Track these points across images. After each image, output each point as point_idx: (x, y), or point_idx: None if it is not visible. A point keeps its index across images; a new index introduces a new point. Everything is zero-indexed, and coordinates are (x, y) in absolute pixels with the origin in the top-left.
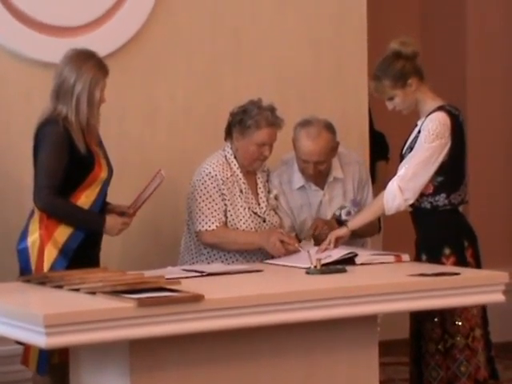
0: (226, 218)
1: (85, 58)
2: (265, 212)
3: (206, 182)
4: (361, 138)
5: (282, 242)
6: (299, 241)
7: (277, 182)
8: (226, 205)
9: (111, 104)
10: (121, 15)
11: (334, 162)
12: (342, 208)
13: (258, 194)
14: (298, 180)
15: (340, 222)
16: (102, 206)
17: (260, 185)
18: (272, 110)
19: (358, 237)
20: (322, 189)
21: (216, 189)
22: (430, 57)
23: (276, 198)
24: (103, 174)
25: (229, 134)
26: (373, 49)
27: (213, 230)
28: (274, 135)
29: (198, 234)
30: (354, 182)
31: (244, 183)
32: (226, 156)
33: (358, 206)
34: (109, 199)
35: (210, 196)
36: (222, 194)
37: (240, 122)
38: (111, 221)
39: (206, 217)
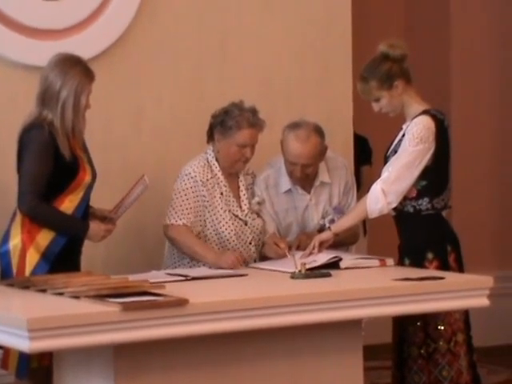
0: (207, 218)
1: (71, 64)
2: (246, 215)
3: (184, 181)
4: (345, 143)
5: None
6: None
7: (263, 185)
8: (205, 206)
9: (96, 107)
10: (105, 18)
11: (321, 167)
12: (325, 217)
13: (239, 197)
14: (285, 183)
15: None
16: (85, 210)
17: (242, 187)
18: (253, 111)
19: (338, 245)
20: (309, 193)
21: (193, 189)
22: (414, 62)
23: (259, 203)
24: (87, 179)
25: (211, 136)
26: (357, 54)
27: (178, 225)
28: (255, 136)
29: (164, 228)
30: (341, 187)
31: (225, 186)
32: (207, 158)
33: (340, 213)
34: (93, 202)
35: (185, 194)
36: (202, 195)
37: (221, 123)
38: (94, 227)
39: (176, 213)
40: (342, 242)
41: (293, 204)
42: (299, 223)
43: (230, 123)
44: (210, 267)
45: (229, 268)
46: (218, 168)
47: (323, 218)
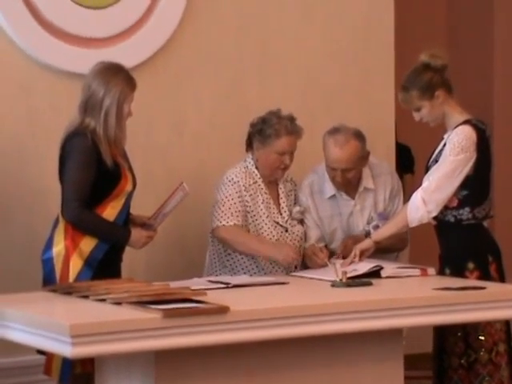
0: (249, 223)
1: (113, 72)
2: (287, 221)
3: (228, 186)
4: (387, 151)
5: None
6: (330, 252)
7: (308, 190)
8: (247, 212)
9: (138, 115)
10: (148, 27)
11: (365, 172)
12: (370, 223)
13: (279, 204)
14: (329, 189)
15: None
16: (127, 217)
17: (282, 195)
18: (291, 119)
19: (385, 252)
20: (353, 198)
21: (238, 194)
22: (456, 71)
23: (302, 213)
24: (128, 187)
25: (249, 144)
26: (400, 62)
27: (230, 225)
28: (293, 143)
29: (214, 231)
30: (386, 193)
31: (266, 193)
32: (247, 166)
33: (385, 218)
34: (134, 208)
35: (232, 198)
36: (245, 200)
37: (260, 131)
38: (136, 234)
39: (225, 214)
40: (390, 248)
41: (337, 210)
42: (344, 229)
43: (268, 131)
44: (263, 262)
45: (284, 263)
46: (259, 176)
47: (368, 223)
